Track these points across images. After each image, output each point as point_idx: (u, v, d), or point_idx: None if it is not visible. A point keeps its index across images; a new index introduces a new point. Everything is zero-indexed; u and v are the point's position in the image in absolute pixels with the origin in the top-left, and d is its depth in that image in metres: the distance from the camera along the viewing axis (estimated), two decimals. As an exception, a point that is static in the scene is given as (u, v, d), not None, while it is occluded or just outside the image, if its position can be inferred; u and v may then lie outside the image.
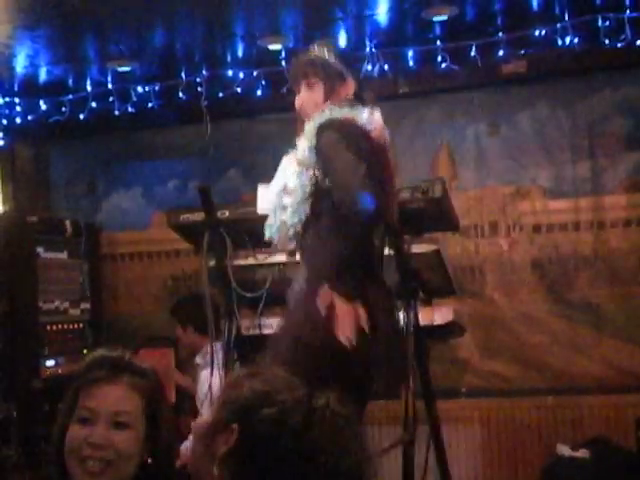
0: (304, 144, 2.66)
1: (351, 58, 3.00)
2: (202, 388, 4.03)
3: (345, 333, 2.42)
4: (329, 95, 2.74)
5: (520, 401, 4.74)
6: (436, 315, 3.55)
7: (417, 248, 3.28)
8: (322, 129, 2.62)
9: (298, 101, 2.80)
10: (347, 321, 2.43)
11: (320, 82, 2.74)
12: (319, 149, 2.59)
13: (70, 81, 5.25)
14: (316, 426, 1.29)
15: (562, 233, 4.83)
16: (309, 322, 2.53)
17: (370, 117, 2.72)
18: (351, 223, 2.45)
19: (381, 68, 4.89)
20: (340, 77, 2.77)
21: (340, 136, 2.58)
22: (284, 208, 2.67)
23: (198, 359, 4.42)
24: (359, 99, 2.81)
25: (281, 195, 2.70)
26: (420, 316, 3.36)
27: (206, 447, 1.35)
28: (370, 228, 2.57)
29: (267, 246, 2.93)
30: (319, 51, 2.80)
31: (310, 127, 2.67)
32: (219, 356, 4.14)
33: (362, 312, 2.47)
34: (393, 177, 2.84)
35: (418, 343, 3.36)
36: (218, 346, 4.30)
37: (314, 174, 2.60)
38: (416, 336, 3.33)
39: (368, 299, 2.53)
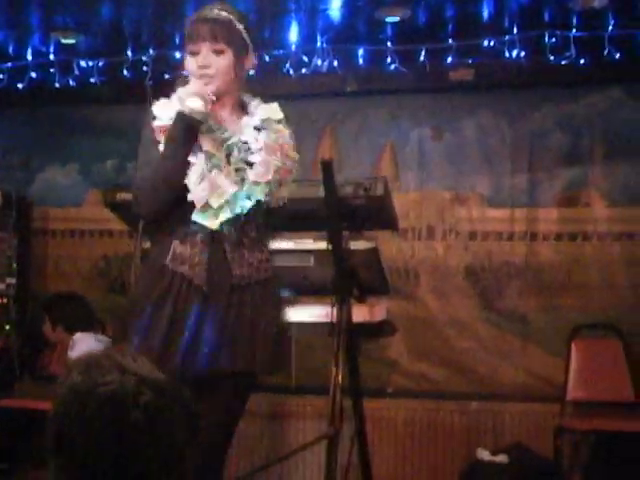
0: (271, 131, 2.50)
1: (253, 28, 2.60)
2: None
3: None
4: (236, 67, 2.44)
5: (445, 404, 4.80)
6: (369, 313, 3.56)
7: (355, 245, 3.28)
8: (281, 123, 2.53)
9: (203, 63, 2.40)
10: None
11: (229, 49, 2.42)
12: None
13: (10, 48, 5.08)
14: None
15: (496, 242, 4.91)
16: None
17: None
18: None
19: (330, 64, 4.89)
20: (245, 48, 2.47)
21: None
22: None
23: (72, 353, 4.46)
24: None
25: None
26: (353, 313, 3.36)
27: None
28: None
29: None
30: (225, 13, 2.45)
31: (271, 117, 2.50)
32: (81, 347, 4.28)
33: None
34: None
35: (350, 340, 3.36)
36: (85, 337, 4.44)
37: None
38: (348, 333, 3.33)
39: None
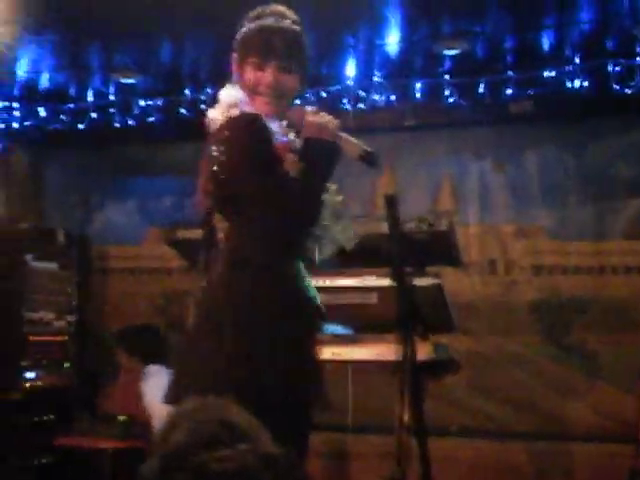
0: None
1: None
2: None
3: None
4: (299, 88, 2.24)
5: (510, 444, 4.65)
6: (433, 351, 3.47)
7: (419, 281, 3.20)
8: None
9: (274, 85, 2.17)
10: None
11: (297, 69, 2.20)
12: None
13: (72, 90, 5.18)
14: None
15: (562, 276, 4.78)
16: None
17: None
18: None
19: (388, 99, 4.87)
20: (306, 66, 2.25)
21: None
22: None
23: (145, 385, 4.40)
24: None
25: None
26: (417, 350, 3.28)
27: None
28: None
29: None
30: (295, 26, 2.20)
31: None
32: (154, 380, 4.22)
33: None
34: None
35: (414, 378, 3.27)
36: (154, 369, 4.39)
37: None
38: (412, 371, 3.25)
39: None
